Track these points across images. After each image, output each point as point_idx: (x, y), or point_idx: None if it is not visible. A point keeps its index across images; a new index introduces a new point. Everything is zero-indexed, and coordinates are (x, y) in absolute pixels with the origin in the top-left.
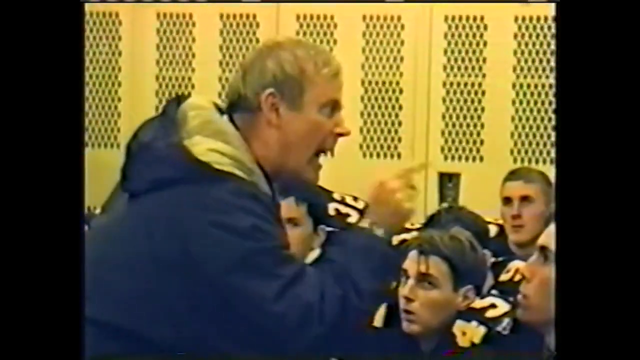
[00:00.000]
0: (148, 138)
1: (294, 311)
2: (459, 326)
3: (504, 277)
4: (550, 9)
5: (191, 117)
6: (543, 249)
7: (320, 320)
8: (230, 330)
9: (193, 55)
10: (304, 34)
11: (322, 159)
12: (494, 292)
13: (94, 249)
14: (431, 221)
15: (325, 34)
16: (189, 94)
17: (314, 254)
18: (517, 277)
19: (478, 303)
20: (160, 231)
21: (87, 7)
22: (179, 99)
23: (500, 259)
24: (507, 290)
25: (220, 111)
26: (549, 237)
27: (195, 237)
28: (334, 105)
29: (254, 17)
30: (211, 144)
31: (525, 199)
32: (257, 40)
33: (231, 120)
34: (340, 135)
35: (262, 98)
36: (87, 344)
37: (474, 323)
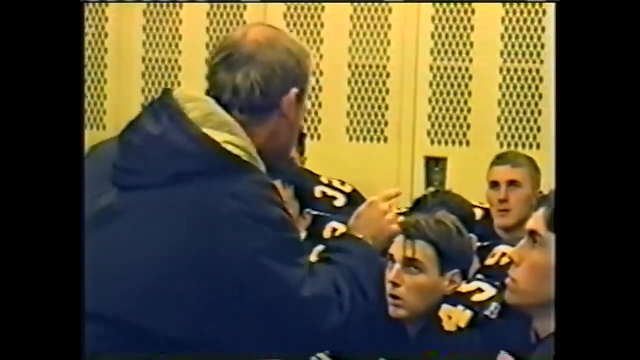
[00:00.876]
0: (158, 131)
1: (318, 299)
2: (445, 310)
3: (490, 261)
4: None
5: (190, 109)
6: (532, 234)
7: (340, 311)
8: (260, 318)
9: (180, 38)
10: (292, 16)
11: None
12: (479, 276)
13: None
14: (417, 205)
15: (312, 17)
16: (177, 81)
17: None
18: (503, 262)
19: (464, 287)
20: (187, 224)
21: None
22: (170, 91)
23: (486, 243)
24: (493, 274)
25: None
26: (538, 221)
27: (226, 228)
28: None
29: (245, 7)
30: (222, 136)
31: (512, 183)
32: (244, 23)
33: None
34: None
35: (291, 96)
36: (106, 342)
37: (461, 307)
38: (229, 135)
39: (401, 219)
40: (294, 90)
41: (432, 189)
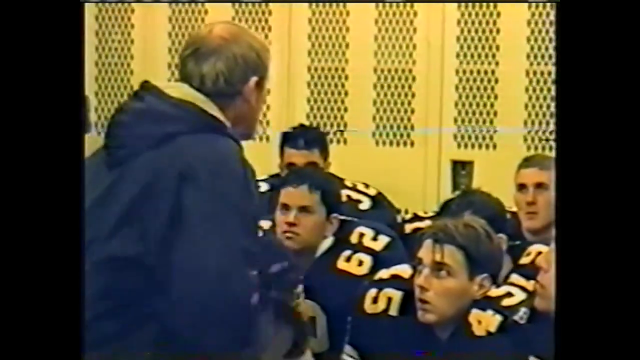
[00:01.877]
0: (143, 106)
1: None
2: (474, 315)
3: (524, 260)
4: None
5: (169, 91)
6: None
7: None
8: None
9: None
10: (316, 21)
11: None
12: (514, 275)
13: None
14: (442, 210)
15: (337, 21)
16: None
17: (327, 242)
18: (538, 260)
19: (494, 291)
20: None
21: None
22: (148, 81)
23: (517, 242)
24: (528, 273)
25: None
26: None
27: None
28: None
29: (270, 12)
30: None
31: (539, 185)
32: (270, 29)
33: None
34: None
35: (250, 84)
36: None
37: (490, 312)
38: (207, 103)
39: (428, 222)
40: (254, 79)
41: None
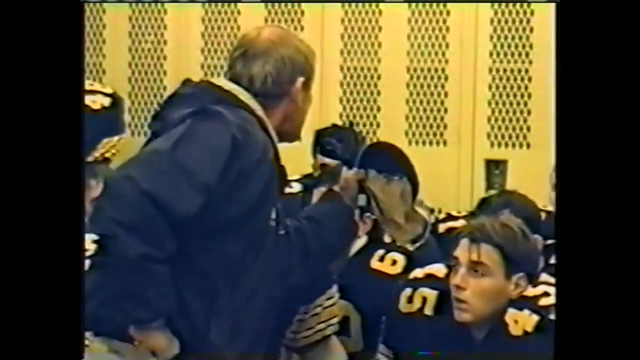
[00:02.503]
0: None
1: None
2: (511, 314)
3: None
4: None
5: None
6: None
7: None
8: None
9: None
10: (349, 20)
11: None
12: (543, 275)
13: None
14: (479, 208)
15: (370, 21)
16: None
17: (360, 241)
18: None
19: (530, 291)
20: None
21: None
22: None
23: (550, 241)
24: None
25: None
26: None
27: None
28: None
29: (302, 13)
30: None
31: None
32: (302, 28)
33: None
34: None
35: (297, 85)
36: None
37: (527, 311)
38: (251, 100)
39: (462, 221)
40: (300, 79)
41: (492, 192)
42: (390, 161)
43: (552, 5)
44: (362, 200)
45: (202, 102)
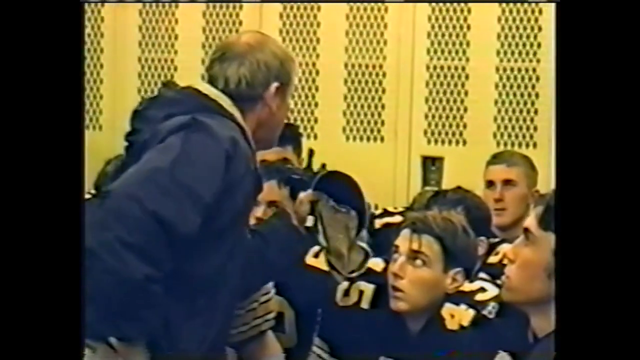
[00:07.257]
0: (156, 95)
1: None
2: (447, 309)
3: (492, 259)
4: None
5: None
6: (526, 231)
7: None
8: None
9: (176, 37)
10: (287, 16)
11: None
12: (481, 274)
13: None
14: (433, 200)
15: (308, 16)
16: (172, 77)
17: None
18: (505, 260)
19: (467, 286)
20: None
21: None
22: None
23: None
24: (494, 272)
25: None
26: (531, 219)
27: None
28: None
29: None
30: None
31: (507, 182)
32: (240, 23)
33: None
34: None
35: (271, 89)
36: None
37: (463, 306)
38: (226, 101)
39: (398, 217)
40: (275, 84)
41: (428, 188)
42: (344, 191)
43: (495, 5)
44: (310, 221)
45: (185, 107)
